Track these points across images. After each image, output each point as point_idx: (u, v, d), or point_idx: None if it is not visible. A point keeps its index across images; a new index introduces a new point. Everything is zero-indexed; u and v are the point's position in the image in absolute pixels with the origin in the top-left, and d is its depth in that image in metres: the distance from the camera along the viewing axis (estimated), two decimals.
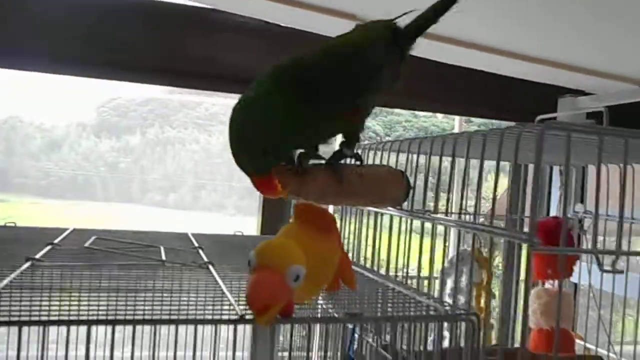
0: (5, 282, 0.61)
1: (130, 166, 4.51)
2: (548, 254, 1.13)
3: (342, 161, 0.79)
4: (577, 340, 1.25)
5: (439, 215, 0.81)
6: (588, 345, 1.23)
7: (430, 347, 0.74)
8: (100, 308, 0.53)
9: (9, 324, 0.49)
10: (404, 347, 0.74)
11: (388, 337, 0.80)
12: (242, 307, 0.57)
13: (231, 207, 4.29)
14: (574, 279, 1.38)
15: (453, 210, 0.92)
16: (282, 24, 1.39)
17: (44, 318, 0.49)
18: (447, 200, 0.85)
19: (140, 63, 1.43)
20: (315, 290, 0.57)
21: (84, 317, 0.51)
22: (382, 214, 1.00)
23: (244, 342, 0.99)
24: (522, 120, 0.85)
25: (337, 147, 0.80)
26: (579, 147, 0.80)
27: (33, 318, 0.49)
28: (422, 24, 0.80)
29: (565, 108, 1.58)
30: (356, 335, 0.90)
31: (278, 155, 0.67)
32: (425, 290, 1.16)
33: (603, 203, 0.97)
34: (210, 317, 0.54)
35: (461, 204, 0.78)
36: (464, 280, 1.18)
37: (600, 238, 1.12)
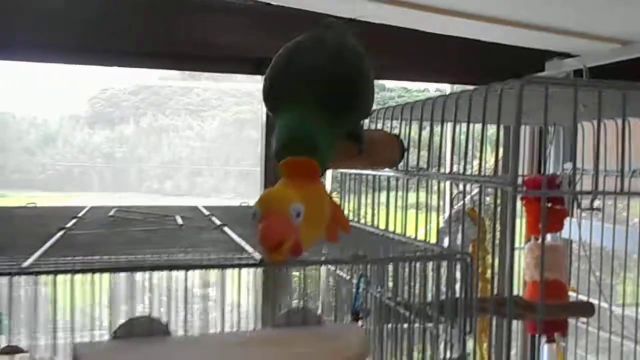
0: (48, 244, 0.68)
1: (126, 156, 4.52)
2: (537, 211, 1.21)
3: None
4: (571, 293, 1.32)
5: (431, 172, 0.88)
6: (581, 297, 1.31)
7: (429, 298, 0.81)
8: (137, 258, 0.60)
9: (64, 272, 0.56)
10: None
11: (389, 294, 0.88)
12: (259, 255, 0.64)
13: (229, 191, 4.34)
14: (565, 234, 1.46)
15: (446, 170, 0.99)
16: (273, 3, 1.43)
17: (95, 267, 0.56)
18: (439, 159, 0.92)
19: (134, 48, 1.46)
20: (316, 231, 0.62)
21: (126, 265, 0.58)
22: (379, 178, 1.07)
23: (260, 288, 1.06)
24: None
25: None
26: (567, 106, 0.86)
27: (84, 267, 0.56)
28: None
29: (552, 70, 1.64)
30: (361, 290, 0.97)
31: None
32: None
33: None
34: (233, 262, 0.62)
35: (452, 160, 0.85)
36: (459, 238, 1.25)
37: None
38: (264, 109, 1.53)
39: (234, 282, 0.68)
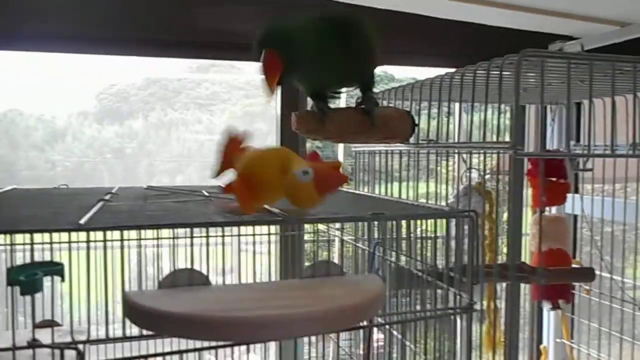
0: (92, 211, 0.76)
1: (136, 151, 4.56)
2: (540, 185, 1.27)
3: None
4: (574, 265, 1.39)
5: (438, 144, 0.95)
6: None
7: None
8: (178, 216, 0.68)
9: (113, 228, 0.63)
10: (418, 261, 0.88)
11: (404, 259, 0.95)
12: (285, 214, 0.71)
13: None
14: (569, 209, 1.53)
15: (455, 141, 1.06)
16: None
17: (139, 223, 0.64)
18: (447, 130, 0.99)
19: (148, 37, 1.50)
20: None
21: (170, 222, 0.65)
22: (392, 153, 1.14)
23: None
24: None
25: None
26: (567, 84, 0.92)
27: (130, 223, 0.64)
28: None
29: None
30: (377, 256, 1.05)
31: None
32: None
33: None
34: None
35: (459, 131, 0.92)
36: None
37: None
38: (275, 102, 1.60)
39: (262, 243, 0.74)
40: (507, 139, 0.96)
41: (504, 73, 0.81)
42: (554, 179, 1.29)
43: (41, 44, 1.46)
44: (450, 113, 0.99)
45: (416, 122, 1.01)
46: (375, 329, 1.01)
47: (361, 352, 1.08)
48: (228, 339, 0.59)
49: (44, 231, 0.59)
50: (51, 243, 0.61)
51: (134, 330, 0.66)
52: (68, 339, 0.64)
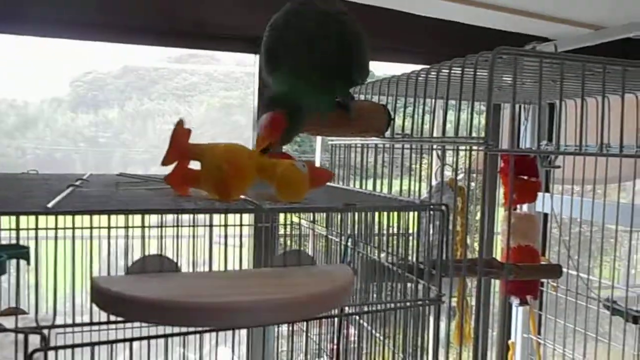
0: (61, 196, 0.74)
1: (110, 140, 4.50)
2: (507, 182, 1.30)
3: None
4: (543, 262, 1.42)
5: (413, 138, 0.96)
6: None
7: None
8: (152, 204, 0.67)
9: (81, 212, 0.62)
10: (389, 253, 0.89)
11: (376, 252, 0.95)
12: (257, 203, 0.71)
13: None
14: (539, 207, 1.55)
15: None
16: None
17: (109, 208, 0.63)
18: (422, 126, 0.99)
19: (128, 24, 1.48)
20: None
21: (140, 208, 0.64)
22: (368, 147, 1.15)
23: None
24: None
25: None
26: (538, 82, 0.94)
27: (99, 208, 0.63)
28: None
29: None
30: (349, 248, 1.05)
31: None
32: None
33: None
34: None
35: (432, 126, 0.92)
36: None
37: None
38: (253, 95, 1.59)
39: (235, 236, 0.74)
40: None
41: (478, 71, 0.82)
42: (525, 177, 1.32)
43: (13, 26, 1.42)
44: (424, 109, 1.00)
45: (392, 116, 1.02)
46: (347, 324, 1.01)
47: (330, 345, 1.09)
48: (197, 325, 0.59)
49: (9, 214, 0.58)
50: (17, 229, 0.60)
51: (102, 318, 0.65)
52: (31, 326, 0.63)
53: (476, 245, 1.61)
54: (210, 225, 0.70)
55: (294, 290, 0.61)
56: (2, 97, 4.11)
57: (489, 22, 1.62)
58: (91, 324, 0.64)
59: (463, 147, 0.86)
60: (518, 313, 1.63)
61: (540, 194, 1.37)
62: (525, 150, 1.21)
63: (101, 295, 0.60)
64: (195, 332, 0.65)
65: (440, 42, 1.68)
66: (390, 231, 0.90)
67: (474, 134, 0.87)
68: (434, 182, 1.27)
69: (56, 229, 0.64)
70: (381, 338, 0.88)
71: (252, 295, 0.58)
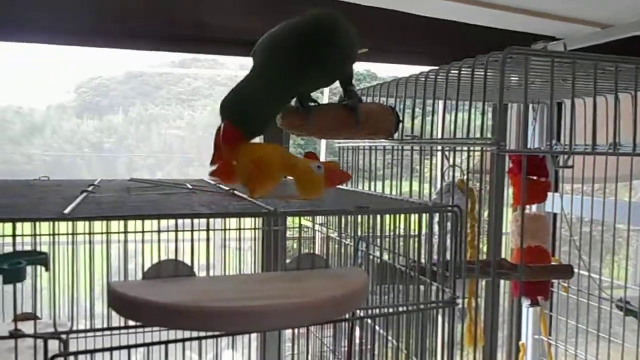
0: (76, 202, 0.75)
1: (115, 146, 4.52)
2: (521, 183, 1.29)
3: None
4: (553, 262, 1.41)
5: (423, 140, 0.96)
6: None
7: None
8: (163, 207, 0.67)
9: (98, 218, 0.62)
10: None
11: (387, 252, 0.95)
12: (271, 207, 0.72)
13: None
14: (549, 207, 1.55)
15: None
16: None
17: (125, 213, 0.63)
18: (431, 128, 1.00)
19: (131, 30, 1.49)
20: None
21: (155, 212, 0.64)
22: (376, 150, 1.15)
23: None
24: None
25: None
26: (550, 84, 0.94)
27: (115, 214, 0.63)
28: None
29: None
30: (360, 251, 1.05)
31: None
32: None
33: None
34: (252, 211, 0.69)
35: (443, 128, 0.92)
36: None
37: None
38: None
39: (245, 239, 0.74)
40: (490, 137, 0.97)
41: (486, 71, 0.82)
42: (534, 177, 1.31)
43: (19, 34, 1.43)
44: (434, 111, 1.00)
45: (400, 118, 1.02)
46: (358, 326, 1.01)
47: (343, 348, 1.09)
48: (214, 329, 0.59)
49: (27, 220, 0.58)
50: (34, 235, 0.60)
51: (118, 323, 0.65)
52: (49, 332, 0.63)
53: (483, 246, 1.61)
54: (224, 229, 0.70)
55: (311, 293, 0.61)
56: (8, 104, 4.13)
57: (494, 22, 1.62)
58: (109, 328, 0.65)
59: (474, 148, 0.86)
60: (528, 314, 1.63)
61: (549, 194, 1.37)
62: (538, 151, 1.21)
63: (119, 300, 0.60)
64: (212, 337, 0.66)
65: (445, 43, 1.68)
66: (400, 233, 0.90)
67: (479, 135, 0.87)
68: (443, 184, 1.27)
69: (74, 234, 0.64)
70: (394, 342, 0.88)
71: (270, 300, 0.58)
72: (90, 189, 0.93)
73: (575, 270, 1.34)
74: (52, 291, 0.63)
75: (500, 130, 0.79)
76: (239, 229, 0.68)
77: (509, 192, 1.40)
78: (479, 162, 0.95)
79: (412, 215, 0.85)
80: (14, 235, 0.57)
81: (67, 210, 0.65)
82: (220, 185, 1.03)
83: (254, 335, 1.29)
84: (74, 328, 0.65)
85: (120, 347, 0.62)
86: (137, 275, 0.69)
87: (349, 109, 0.96)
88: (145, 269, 0.66)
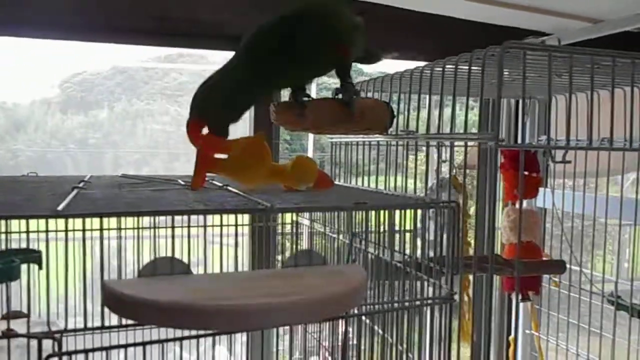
0: (68, 198, 0.73)
1: (101, 142, 4.48)
2: (513, 178, 1.30)
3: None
4: (545, 257, 1.42)
5: (419, 135, 0.95)
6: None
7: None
8: (158, 204, 0.66)
9: (92, 215, 0.61)
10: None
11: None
12: (268, 204, 0.71)
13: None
14: (539, 202, 1.56)
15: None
16: None
17: (120, 210, 0.62)
18: (427, 123, 0.99)
19: (116, 24, 1.47)
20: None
21: (150, 209, 0.63)
22: (369, 145, 1.14)
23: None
24: None
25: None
26: (543, 78, 0.94)
27: (109, 210, 0.62)
28: None
29: None
30: (354, 247, 1.04)
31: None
32: None
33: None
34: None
35: (439, 122, 0.92)
36: None
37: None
38: None
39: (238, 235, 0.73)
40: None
41: (484, 66, 0.82)
42: (526, 172, 1.31)
43: (1, 28, 1.41)
44: (430, 105, 0.99)
45: (394, 113, 1.01)
46: (345, 323, 1.01)
47: (326, 343, 1.08)
48: (212, 328, 0.58)
49: (20, 217, 0.57)
50: (28, 232, 0.59)
51: (113, 321, 0.64)
52: (42, 331, 0.62)
53: (471, 241, 1.61)
54: (220, 225, 0.69)
55: (309, 291, 0.60)
56: None
57: (485, 17, 1.62)
58: (103, 327, 0.63)
59: (471, 143, 0.85)
60: (518, 309, 1.64)
61: (540, 189, 1.38)
62: (535, 146, 1.21)
63: (114, 299, 0.59)
64: (210, 335, 0.65)
65: (437, 38, 1.68)
66: (396, 229, 0.90)
67: (469, 130, 0.87)
68: (433, 179, 1.27)
69: (66, 231, 0.63)
70: (389, 338, 0.88)
71: (267, 298, 0.57)
72: (81, 185, 0.92)
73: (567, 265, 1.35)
74: (47, 289, 0.61)
75: (497, 124, 0.78)
76: (236, 225, 0.67)
77: (500, 187, 1.40)
78: (464, 158, 0.95)
79: (408, 211, 0.85)
80: (7, 233, 0.55)
81: (60, 207, 0.63)
82: (213, 181, 1.01)
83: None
84: (67, 327, 0.64)
85: (117, 346, 0.61)
86: (129, 273, 0.68)
87: (343, 104, 0.95)
88: (139, 266, 0.65)
